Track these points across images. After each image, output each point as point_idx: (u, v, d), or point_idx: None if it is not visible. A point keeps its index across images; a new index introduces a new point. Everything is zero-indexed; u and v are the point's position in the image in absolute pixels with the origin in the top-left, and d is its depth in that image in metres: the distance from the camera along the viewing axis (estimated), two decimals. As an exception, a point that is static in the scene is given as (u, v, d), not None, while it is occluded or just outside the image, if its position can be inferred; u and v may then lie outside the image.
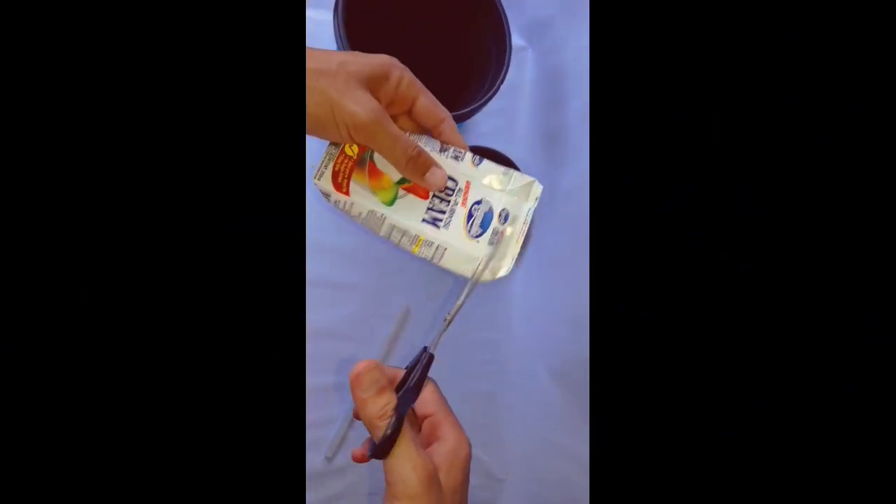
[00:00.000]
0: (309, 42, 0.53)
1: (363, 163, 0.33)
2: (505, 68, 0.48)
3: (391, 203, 0.33)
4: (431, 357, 0.31)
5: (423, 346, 0.31)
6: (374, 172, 0.33)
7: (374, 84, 0.30)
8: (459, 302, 0.32)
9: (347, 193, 0.32)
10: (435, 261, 0.34)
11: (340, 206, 0.33)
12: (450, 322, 0.32)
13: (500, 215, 0.33)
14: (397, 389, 0.29)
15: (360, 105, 0.28)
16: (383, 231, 0.34)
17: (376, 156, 0.33)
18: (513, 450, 0.63)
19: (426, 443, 0.32)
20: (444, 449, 0.32)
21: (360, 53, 0.31)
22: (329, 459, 0.55)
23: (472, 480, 0.64)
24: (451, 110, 0.46)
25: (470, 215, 0.33)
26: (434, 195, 0.34)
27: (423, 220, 0.33)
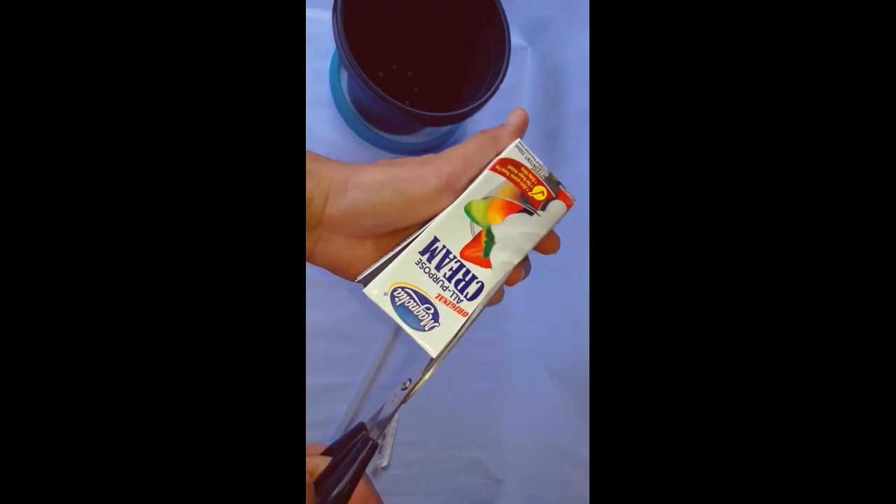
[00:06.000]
0: (308, 39, 0.53)
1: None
2: (504, 68, 0.48)
3: (467, 212, 0.29)
4: (375, 446, 0.27)
5: (359, 421, 0.27)
6: (509, 207, 0.30)
7: None
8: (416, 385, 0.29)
9: (491, 169, 0.29)
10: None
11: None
12: (403, 402, 0.28)
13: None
14: (327, 473, 0.25)
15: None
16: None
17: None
18: (513, 450, 0.63)
19: None
20: None
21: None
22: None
23: (472, 480, 0.65)
24: (450, 110, 0.46)
25: (423, 301, 0.29)
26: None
27: (432, 242, 0.29)
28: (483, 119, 0.64)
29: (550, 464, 0.59)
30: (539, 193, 0.30)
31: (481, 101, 0.47)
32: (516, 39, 0.59)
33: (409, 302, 0.28)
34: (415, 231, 0.29)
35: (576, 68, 0.58)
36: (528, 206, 0.30)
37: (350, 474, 0.26)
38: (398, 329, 0.59)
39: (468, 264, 0.29)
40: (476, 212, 0.29)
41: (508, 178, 0.29)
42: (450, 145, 0.62)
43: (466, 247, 0.29)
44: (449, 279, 0.29)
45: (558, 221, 0.31)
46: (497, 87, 0.47)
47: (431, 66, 0.58)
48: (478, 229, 0.29)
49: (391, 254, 0.29)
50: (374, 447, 0.26)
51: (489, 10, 0.49)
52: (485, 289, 0.29)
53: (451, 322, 0.29)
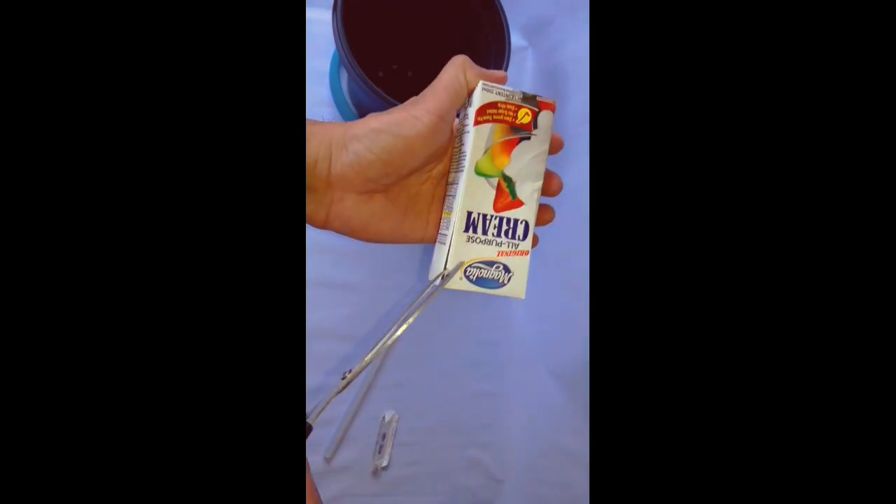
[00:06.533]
0: (308, 39, 0.53)
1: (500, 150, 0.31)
2: (504, 68, 0.48)
3: (479, 174, 0.31)
4: (309, 428, 0.27)
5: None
6: (508, 145, 0.31)
7: None
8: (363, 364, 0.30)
9: (476, 124, 0.30)
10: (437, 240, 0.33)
11: (465, 120, 0.31)
12: (343, 387, 0.29)
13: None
14: None
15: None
16: (452, 176, 0.32)
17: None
18: (513, 450, 0.63)
19: None
20: None
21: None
22: (328, 460, 0.55)
23: (472, 481, 0.65)
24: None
25: (489, 264, 0.32)
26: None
27: (468, 213, 0.31)
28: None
29: (550, 464, 0.59)
30: (525, 116, 0.32)
31: (481, 101, 0.47)
32: (516, 39, 0.59)
33: (481, 272, 0.31)
34: (422, 174, 0.32)
35: (576, 68, 0.58)
36: (522, 133, 0.32)
37: None
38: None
39: (505, 214, 0.32)
40: (485, 168, 0.31)
41: (493, 121, 0.31)
42: (450, 145, 0.62)
43: (496, 201, 0.31)
44: (498, 235, 0.32)
45: (552, 127, 0.33)
46: (497, 87, 0.47)
47: (431, 66, 0.58)
48: (495, 181, 0.31)
49: (445, 248, 0.32)
50: (309, 429, 0.27)
51: (489, 10, 0.50)
52: (530, 223, 0.32)
53: (519, 266, 0.32)
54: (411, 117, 0.28)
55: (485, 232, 0.31)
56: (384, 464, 0.57)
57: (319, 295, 0.55)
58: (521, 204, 0.32)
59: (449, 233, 0.31)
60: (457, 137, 0.33)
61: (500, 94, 0.31)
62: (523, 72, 0.66)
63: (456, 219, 0.31)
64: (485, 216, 0.31)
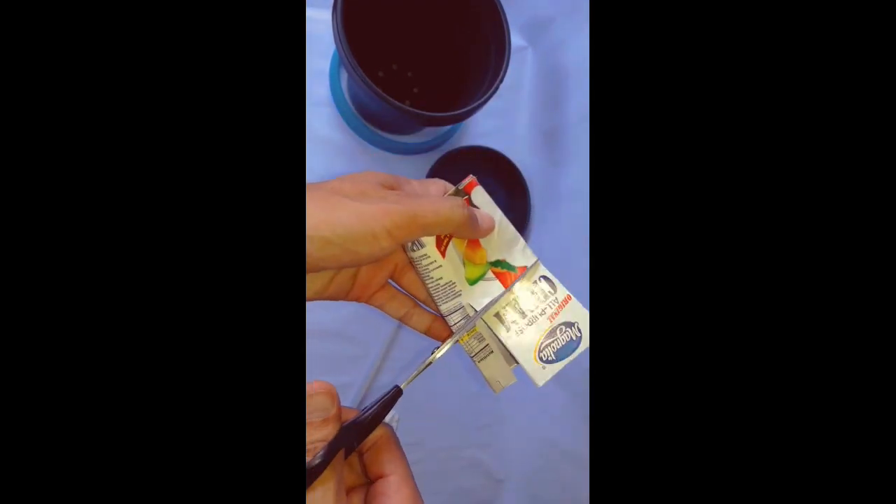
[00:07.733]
0: (308, 39, 0.53)
1: None
2: (504, 68, 0.48)
3: (474, 282, 0.30)
4: (398, 392, 0.27)
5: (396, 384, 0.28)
6: (473, 243, 0.30)
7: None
8: (443, 349, 0.29)
9: (444, 255, 0.29)
10: (475, 359, 0.31)
11: (424, 261, 0.30)
12: (429, 363, 0.29)
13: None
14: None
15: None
16: (446, 306, 0.30)
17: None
18: (513, 450, 0.63)
19: None
20: None
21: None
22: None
23: (472, 481, 0.65)
24: (450, 109, 0.46)
25: (552, 334, 0.30)
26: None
27: (496, 315, 0.30)
28: (483, 119, 0.64)
29: (550, 464, 0.59)
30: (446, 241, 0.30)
31: (481, 101, 0.47)
32: (516, 39, 0.59)
33: (552, 346, 0.30)
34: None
35: (576, 68, 0.58)
36: (467, 249, 0.30)
37: (365, 414, 0.27)
38: (398, 327, 0.59)
39: (517, 286, 0.30)
40: (475, 274, 0.30)
41: (448, 238, 0.30)
42: (449, 145, 0.62)
43: (505, 285, 0.30)
44: (541, 298, 0.30)
45: (486, 194, 0.31)
46: (497, 87, 0.47)
47: (431, 66, 0.58)
48: (489, 273, 0.31)
49: (500, 357, 0.31)
50: (398, 392, 0.28)
51: (489, 10, 0.49)
52: (547, 275, 0.31)
53: (577, 312, 0.30)
54: (369, 235, 0.26)
55: (523, 315, 0.30)
56: (384, 464, 0.57)
57: (319, 295, 0.55)
58: (524, 268, 0.30)
59: (492, 344, 0.30)
60: (424, 279, 0.31)
61: (420, 265, 0.30)
62: (523, 72, 0.66)
63: (495, 331, 0.29)
64: (514, 310, 0.30)
